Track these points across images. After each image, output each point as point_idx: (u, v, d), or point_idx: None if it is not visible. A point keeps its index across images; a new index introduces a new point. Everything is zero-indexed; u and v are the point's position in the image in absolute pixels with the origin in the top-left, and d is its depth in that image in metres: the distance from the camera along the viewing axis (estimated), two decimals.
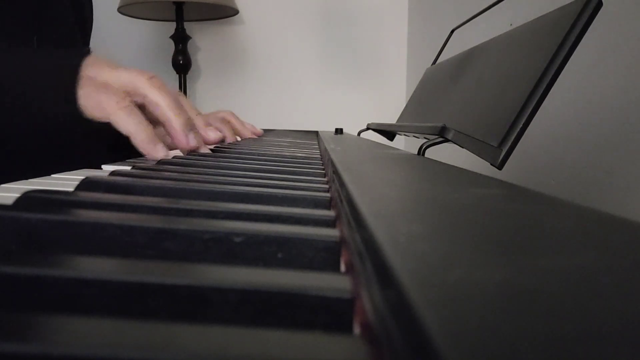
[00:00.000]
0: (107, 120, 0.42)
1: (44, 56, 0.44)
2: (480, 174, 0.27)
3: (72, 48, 0.45)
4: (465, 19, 0.73)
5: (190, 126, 0.46)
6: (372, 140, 0.74)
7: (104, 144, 0.48)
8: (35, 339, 0.09)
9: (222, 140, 0.73)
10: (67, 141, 0.45)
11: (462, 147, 0.42)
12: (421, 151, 0.46)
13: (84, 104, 0.41)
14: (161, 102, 0.44)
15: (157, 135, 0.44)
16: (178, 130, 0.45)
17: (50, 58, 0.44)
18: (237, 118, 0.76)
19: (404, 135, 0.73)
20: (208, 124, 0.52)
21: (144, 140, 0.41)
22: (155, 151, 0.42)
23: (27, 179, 0.28)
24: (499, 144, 0.34)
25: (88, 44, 0.86)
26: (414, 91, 0.89)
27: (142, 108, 0.44)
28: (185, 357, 0.09)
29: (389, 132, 0.82)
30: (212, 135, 0.50)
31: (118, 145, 0.48)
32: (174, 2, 1.47)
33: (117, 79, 0.43)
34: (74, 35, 0.77)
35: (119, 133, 0.42)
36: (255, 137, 0.77)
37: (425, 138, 0.52)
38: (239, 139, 0.77)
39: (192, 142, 0.46)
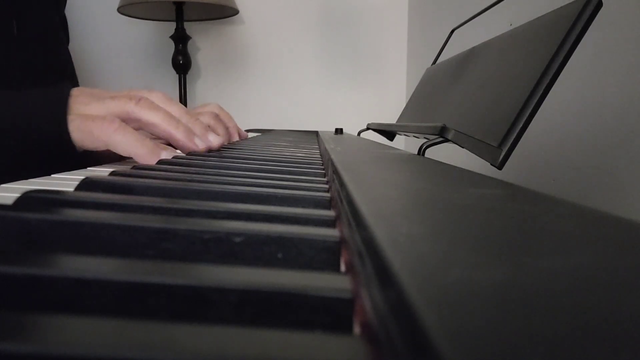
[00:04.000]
0: (105, 148, 0.42)
1: (29, 97, 0.44)
2: (480, 174, 0.27)
3: (54, 86, 0.45)
4: (465, 19, 0.73)
5: (192, 132, 0.47)
6: (372, 140, 0.74)
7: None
8: (35, 339, 0.09)
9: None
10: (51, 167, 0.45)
11: (462, 147, 0.42)
12: (421, 151, 0.46)
13: (75, 138, 0.42)
14: (157, 121, 0.45)
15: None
16: (184, 140, 0.47)
17: (36, 98, 0.44)
18: (223, 110, 0.76)
19: (404, 135, 0.73)
20: (206, 128, 0.52)
21: (146, 154, 0.42)
22: None
23: None
24: (499, 144, 0.34)
25: (67, 26, 0.86)
26: (414, 91, 0.89)
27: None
28: (185, 357, 0.09)
29: (389, 132, 0.82)
30: (214, 140, 0.51)
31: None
32: (174, 2, 1.47)
33: (106, 109, 0.43)
34: (52, 17, 0.77)
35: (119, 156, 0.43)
36: (240, 138, 0.77)
37: (425, 138, 0.52)
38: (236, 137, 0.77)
39: (200, 144, 0.47)
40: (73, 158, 0.43)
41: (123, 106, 0.44)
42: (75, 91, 0.45)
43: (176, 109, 0.49)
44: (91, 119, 0.42)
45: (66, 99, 0.43)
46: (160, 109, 0.46)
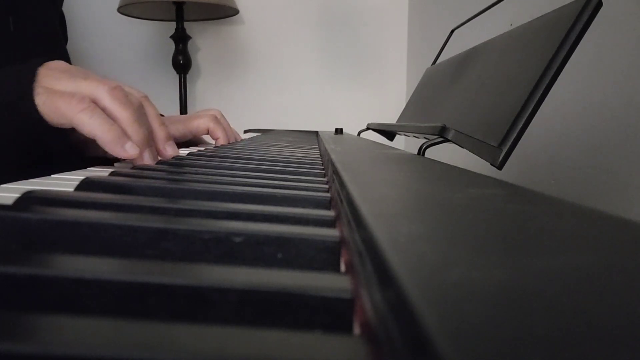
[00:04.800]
0: (70, 126, 0.40)
1: (1, 72, 0.42)
2: (480, 174, 0.27)
3: (29, 62, 0.43)
4: (465, 19, 0.73)
5: (148, 142, 0.43)
6: (372, 140, 0.74)
7: (76, 152, 0.47)
8: (35, 339, 0.09)
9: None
10: (35, 151, 0.44)
11: (462, 147, 0.42)
12: (421, 151, 0.46)
13: (43, 112, 0.40)
14: (119, 116, 0.41)
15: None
16: (140, 144, 0.42)
17: (4, 74, 0.42)
18: (223, 117, 0.76)
19: (404, 135, 0.73)
20: (169, 137, 0.49)
21: (111, 141, 0.39)
22: (124, 151, 0.40)
23: None
24: (499, 144, 0.34)
25: (64, 24, 0.86)
26: (414, 91, 0.89)
27: None
28: (185, 357, 0.09)
29: (389, 132, 0.82)
30: (170, 150, 0.48)
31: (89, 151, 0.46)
32: (174, 2, 1.47)
33: (76, 88, 0.41)
34: (49, 14, 0.77)
35: (86, 138, 0.40)
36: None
37: (425, 138, 0.52)
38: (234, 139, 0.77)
39: (147, 159, 0.42)
40: (48, 135, 0.41)
41: (94, 89, 0.41)
42: (50, 64, 0.43)
43: (152, 112, 0.47)
44: (59, 94, 0.40)
45: (34, 72, 0.41)
46: (129, 105, 0.42)
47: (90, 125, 0.39)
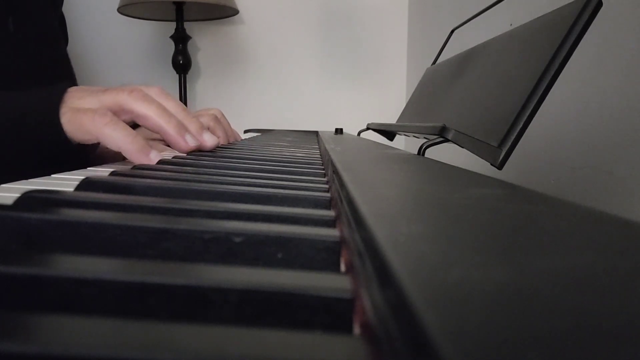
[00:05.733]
0: (96, 141, 0.42)
1: (26, 96, 0.44)
2: (480, 174, 0.27)
3: (54, 86, 0.45)
4: (465, 19, 0.73)
5: (184, 128, 0.46)
6: (372, 140, 0.74)
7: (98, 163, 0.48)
8: (35, 339, 0.09)
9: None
10: (58, 169, 0.45)
11: (462, 147, 0.42)
12: (421, 151, 0.46)
13: (68, 130, 0.41)
14: (149, 113, 0.43)
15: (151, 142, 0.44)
16: (174, 135, 0.45)
17: (32, 96, 0.44)
18: (224, 117, 0.76)
19: (404, 135, 0.73)
20: (202, 127, 0.51)
21: (136, 152, 0.41)
22: (149, 160, 0.41)
23: None
24: (499, 144, 0.34)
25: (65, 25, 0.86)
26: (414, 91, 0.89)
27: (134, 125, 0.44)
28: (185, 357, 0.09)
29: (389, 132, 0.82)
30: (209, 140, 0.50)
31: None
32: (174, 2, 1.47)
33: (99, 103, 0.43)
34: (49, 15, 0.77)
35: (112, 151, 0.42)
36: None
37: (425, 138, 0.52)
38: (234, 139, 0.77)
39: (191, 142, 0.46)
40: (70, 154, 0.43)
41: (115, 97, 0.43)
42: (72, 88, 0.45)
43: (173, 104, 0.48)
44: (83, 111, 0.42)
45: (61, 94, 0.43)
46: (153, 102, 0.44)
47: (115, 138, 0.41)
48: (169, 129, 0.44)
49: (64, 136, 0.41)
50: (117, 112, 0.43)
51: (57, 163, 0.44)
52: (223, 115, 0.75)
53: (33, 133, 0.42)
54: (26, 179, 0.32)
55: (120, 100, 0.43)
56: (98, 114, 0.41)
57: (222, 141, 0.72)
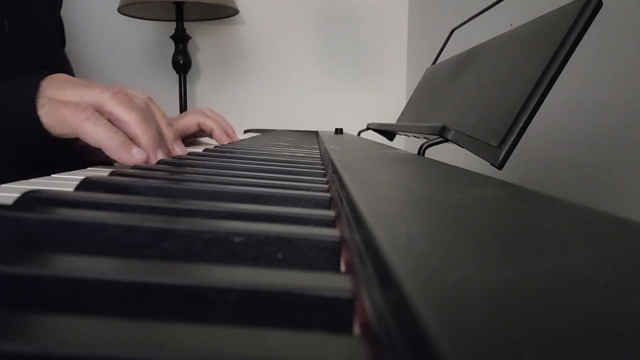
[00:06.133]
0: (75, 135, 0.40)
1: (4, 85, 0.42)
2: (480, 174, 0.27)
3: (31, 75, 0.43)
4: (465, 19, 0.73)
5: (159, 142, 0.44)
6: (372, 140, 0.74)
7: (79, 159, 0.47)
8: (35, 339, 0.09)
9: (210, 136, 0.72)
10: (38, 162, 0.43)
11: (462, 147, 0.42)
12: (421, 151, 0.46)
13: (47, 123, 0.40)
14: (127, 119, 0.42)
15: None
16: (147, 149, 0.43)
17: (8, 87, 0.42)
18: (214, 113, 0.76)
19: (404, 135, 0.73)
20: (177, 137, 0.50)
21: (117, 148, 0.40)
22: (131, 156, 0.40)
23: None
24: (499, 144, 0.34)
25: (62, 28, 0.85)
26: (414, 91, 0.89)
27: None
28: (185, 357, 0.09)
29: (389, 132, 0.82)
30: (178, 150, 0.49)
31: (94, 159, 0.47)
32: (174, 2, 1.47)
33: (80, 97, 0.41)
34: (45, 17, 0.76)
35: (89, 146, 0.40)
36: (229, 138, 0.76)
37: (425, 138, 0.52)
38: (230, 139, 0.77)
39: (161, 158, 0.44)
40: (49, 147, 0.41)
41: (97, 96, 0.42)
42: (54, 76, 0.43)
43: (154, 111, 0.47)
44: (63, 104, 0.40)
45: (37, 83, 0.41)
46: (135, 109, 0.43)
47: (95, 133, 0.39)
48: (143, 139, 0.42)
49: (42, 129, 0.40)
50: (97, 111, 0.41)
51: (39, 158, 0.43)
52: (212, 111, 0.75)
53: (11, 124, 0.40)
54: (8, 173, 0.31)
55: (102, 99, 0.42)
56: (79, 107, 0.40)
57: (217, 133, 0.71)
